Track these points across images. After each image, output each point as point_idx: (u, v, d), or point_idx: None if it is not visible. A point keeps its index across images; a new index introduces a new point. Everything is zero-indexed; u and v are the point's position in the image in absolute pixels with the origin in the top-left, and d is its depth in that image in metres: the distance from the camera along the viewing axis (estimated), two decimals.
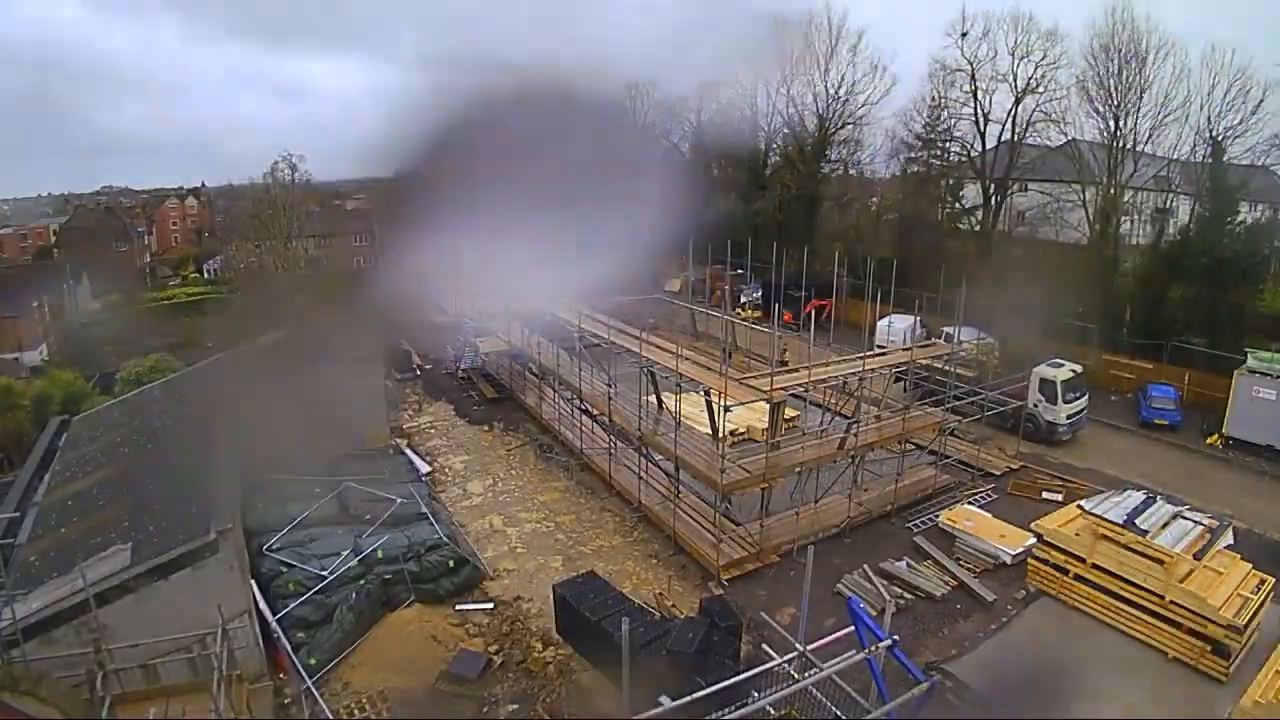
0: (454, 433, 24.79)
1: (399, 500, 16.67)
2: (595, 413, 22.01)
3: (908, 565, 15.95)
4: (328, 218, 53.91)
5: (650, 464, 19.64)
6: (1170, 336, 27.25)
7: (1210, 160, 27.91)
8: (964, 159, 38.38)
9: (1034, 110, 34.83)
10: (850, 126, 43.19)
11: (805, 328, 18.94)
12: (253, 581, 12.11)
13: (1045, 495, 19.20)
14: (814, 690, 8.67)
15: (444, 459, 22.42)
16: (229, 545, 12.09)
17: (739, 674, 8.75)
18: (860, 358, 18.24)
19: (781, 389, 16.34)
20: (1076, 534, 14.60)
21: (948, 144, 39.06)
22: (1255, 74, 27.35)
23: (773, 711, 8.70)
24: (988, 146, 37.11)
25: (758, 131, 46.14)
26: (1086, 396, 23.76)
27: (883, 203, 43.57)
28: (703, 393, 17.95)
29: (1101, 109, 30.86)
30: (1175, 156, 30.11)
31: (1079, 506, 15.61)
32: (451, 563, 15.47)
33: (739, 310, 35.61)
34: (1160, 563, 13.47)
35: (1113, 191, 30.41)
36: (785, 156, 46.03)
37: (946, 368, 20.62)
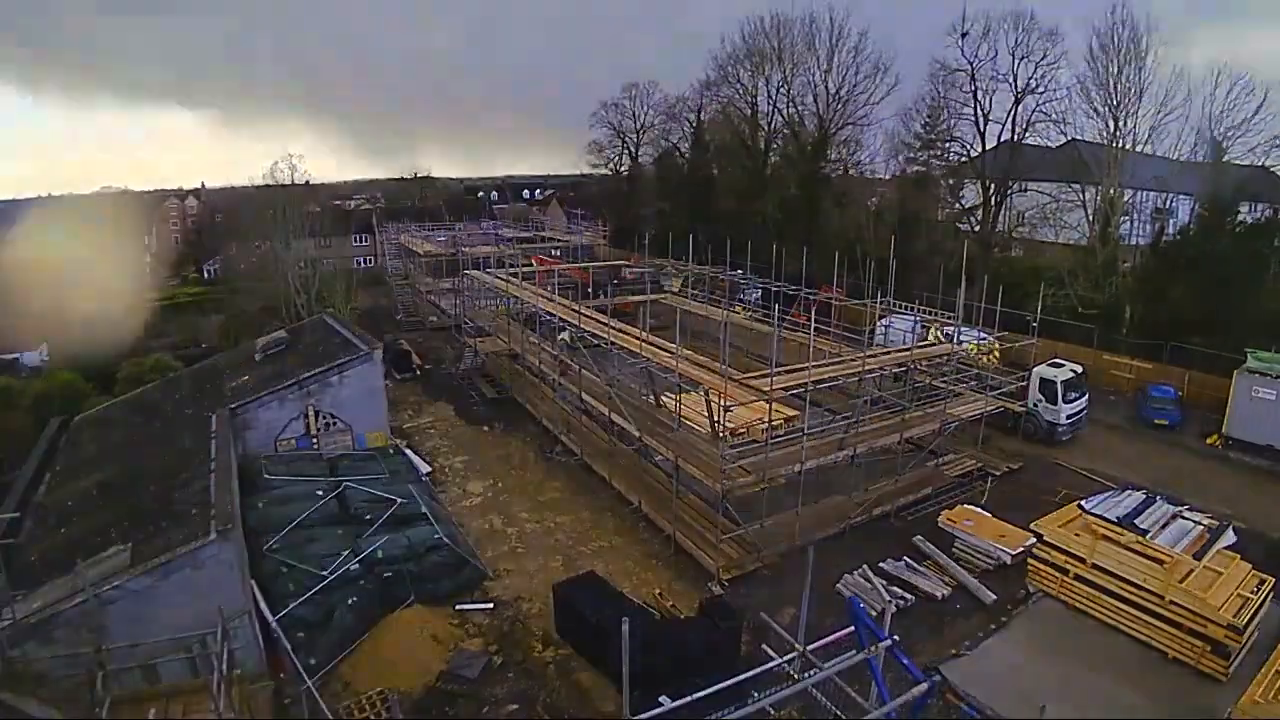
0: (454, 433, 24.79)
1: (399, 500, 16.66)
2: (595, 413, 22.00)
3: (908, 565, 15.94)
4: (328, 218, 53.79)
5: (650, 464, 19.62)
6: (1170, 336, 27.25)
7: (1210, 160, 27.92)
8: (964, 159, 38.39)
9: (1034, 110, 34.95)
10: (850, 127, 43.35)
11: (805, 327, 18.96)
12: (253, 581, 12.08)
13: (1043, 496, 19.16)
14: (814, 690, 8.65)
15: (444, 459, 22.42)
16: (229, 545, 12.09)
17: (739, 674, 8.73)
18: (860, 357, 18.23)
19: (781, 389, 16.32)
20: (1076, 534, 14.58)
21: (948, 144, 39.12)
22: (1258, 74, 27.48)
23: (773, 711, 8.70)
24: (988, 147, 37.16)
25: (758, 131, 46.25)
26: (1086, 396, 23.76)
27: (882, 203, 43.57)
28: (702, 392, 17.93)
29: (1101, 109, 30.94)
30: (1175, 156, 30.16)
31: (1079, 506, 15.59)
32: (451, 563, 15.47)
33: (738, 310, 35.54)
34: (1160, 563, 13.47)
35: (1112, 191, 30.40)
36: (785, 156, 46.08)
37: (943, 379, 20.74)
